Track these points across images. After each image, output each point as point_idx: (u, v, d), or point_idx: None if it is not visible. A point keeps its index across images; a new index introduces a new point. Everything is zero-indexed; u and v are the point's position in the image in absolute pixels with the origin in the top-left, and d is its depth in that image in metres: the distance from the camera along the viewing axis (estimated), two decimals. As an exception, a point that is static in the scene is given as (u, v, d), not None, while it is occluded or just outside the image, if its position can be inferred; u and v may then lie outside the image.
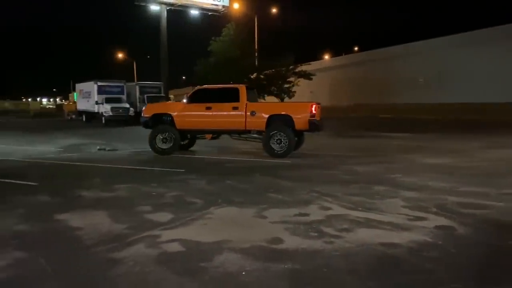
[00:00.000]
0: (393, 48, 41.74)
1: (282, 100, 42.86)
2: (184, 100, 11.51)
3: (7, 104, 56.26)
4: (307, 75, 41.37)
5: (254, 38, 45.51)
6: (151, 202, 5.95)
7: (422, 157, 10.30)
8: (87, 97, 29.94)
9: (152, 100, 24.19)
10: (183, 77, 71.46)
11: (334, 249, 3.99)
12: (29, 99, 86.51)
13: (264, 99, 41.20)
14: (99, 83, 28.77)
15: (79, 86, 33.34)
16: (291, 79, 42.25)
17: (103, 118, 27.03)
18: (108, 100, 27.27)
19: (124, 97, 28.87)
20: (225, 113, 11.18)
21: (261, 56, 43.86)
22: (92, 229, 4.68)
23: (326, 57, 58.42)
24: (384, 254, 3.86)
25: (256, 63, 44.17)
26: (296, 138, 10.92)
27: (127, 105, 27.77)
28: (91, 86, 29.05)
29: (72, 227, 4.78)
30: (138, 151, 12.25)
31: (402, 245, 4.06)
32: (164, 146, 11.34)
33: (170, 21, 32.97)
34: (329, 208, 5.49)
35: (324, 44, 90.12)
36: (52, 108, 70.15)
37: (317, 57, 55.83)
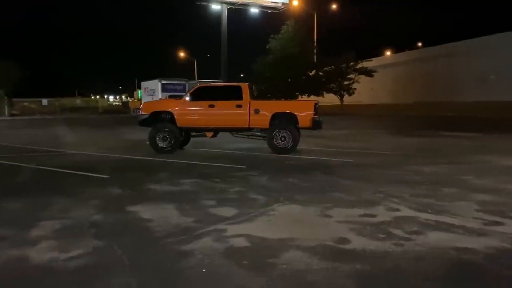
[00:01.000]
0: (460, 43, 39.55)
1: (341, 97, 42.11)
2: (187, 98, 11.29)
3: (79, 101, 59.97)
4: (368, 72, 40.36)
5: (313, 34, 45.05)
6: (215, 197, 6.08)
7: (495, 158, 9.68)
8: (152, 94, 31.23)
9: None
10: (241, 75, 72.36)
11: (404, 251, 3.85)
12: (97, 97, 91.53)
13: (323, 97, 40.71)
14: (163, 81, 29.91)
15: (144, 84, 34.87)
16: (351, 76, 41.37)
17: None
18: (171, 98, 28.25)
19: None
20: (228, 111, 11.14)
21: (320, 53, 43.35)
22: (162, 221, 4.86)
23: (388, 53, 56.58)
24: (459, 259, 3.67)
25: (315, 60, 43.71)
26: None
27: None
28: (156, 84, 30.27)
29: (143, 219, 5.00)
30: (197, 147, 12.54)
31: (478, 251, 3.84)
32: (165, 144, 11.16)
33: (229, 19, 33.48)
34: (396, 210, 5.30)
35: (386, 39, 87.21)
36: (118, 105, 73.81)
37: (379, 53, 54.21)
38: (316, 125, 10.99)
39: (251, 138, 12.06)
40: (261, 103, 11.71)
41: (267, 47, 43.42)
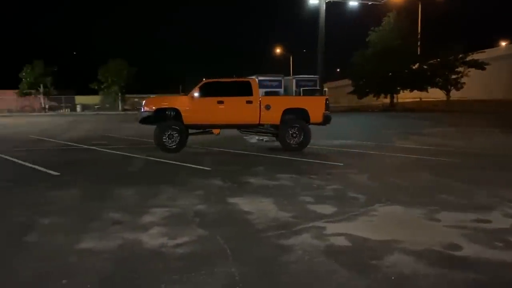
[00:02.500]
0: None
1: (448, 92, 39.15)
2: (195, 94, 10.66)
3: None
4: (479, 65, 36.93)
5: (417, 26, 42.49)
6: (313, 193, 6.02)
7: None
8: (249, 90, 32.03)
9: (307, 93, 24.65)
10: (337, 70, 70.97)
11: (527, 264, 3.44)
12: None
13: (427, 92, 38.27)
14: (260, 78, 30.46)
15: (242, 80, 35.89)
16: (460, 69, 38.20)
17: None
18: (267, 94, 28.69)
19: (281, 90, 29.77)
20: (238, 107, 10.76)
21: (424, 45, 40.73)
22: (261, 214, 4.95)
23: (503, 43, 51.20)
24: None
25: (419, 52, 41.17)
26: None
27: (285, 98, 28.73)
28: (252, 80, 30.98)
29: (243, 211, 5.13)
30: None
31: None
32: (172, 143, 10.61)
33: (326, 13, 32.93)
34: (516, 216, 4.78)
35: (502, 29, 78.95)
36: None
37: (492, 44, 49.31)
38: (326, 120, 11.04)
39: (259, 134, 11.95)
40: (272, 98, 11.41)
41: (366, 40, 41.99)
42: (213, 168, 8.25)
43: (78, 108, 50.75)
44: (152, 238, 4.15)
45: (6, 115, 41.69)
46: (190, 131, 11.22)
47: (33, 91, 49.85)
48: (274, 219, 4.76)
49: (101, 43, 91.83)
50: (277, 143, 11.90)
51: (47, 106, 50.38)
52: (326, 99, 11.23)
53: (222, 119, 10.84)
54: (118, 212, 5.08)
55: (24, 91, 50.06)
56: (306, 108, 10.95)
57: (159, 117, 10.72)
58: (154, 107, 10.78)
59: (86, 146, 12.36)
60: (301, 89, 33.29)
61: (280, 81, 35.16)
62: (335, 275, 3.28)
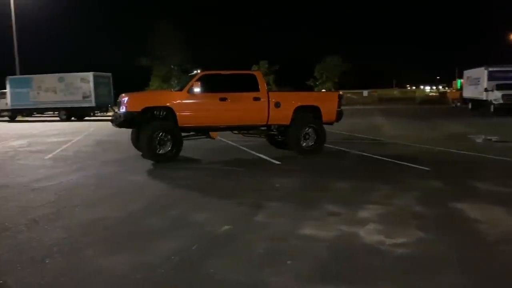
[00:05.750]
0: None
1: None
2: (193, 89, 8.83)
3: (396, 92, 61.49)
4: None
5: None
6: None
7: None
8: (475, 84, 28.48)
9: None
10: None
11: None
12: (413, 87, 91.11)
13: None
14: (490, 69, 26.72)
15: (467, 72, 32.21)
16: None
17: (491, 106, 25.04)
18: (499, 87, 24.96)
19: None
20: (244, 105, 9.15)
21: None
22: (492, 223, 4.38)
23: None
24: None
25: None
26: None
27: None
28: (481, 73, 27.41)
29: (469, 218, 4.63)
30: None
31: None
32: (165, 150, 8.62)
33: None
34: None
35: None
36: (435, 95, 71.51)
37: None
38: (339, 118, 10.02)
39: (253, 137, 10.41)
40: (282, 95, 9.98)
41: None
42: (432, 168, 7.66)
43: (295, 104, 54.61)
44: (369, 234, 4.14)
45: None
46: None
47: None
48: (509, 231, 4.13)
49: (317, 40, 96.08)
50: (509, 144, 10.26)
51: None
52: (339, 95, 10.20)
53: (226, 120, 9.19)
54: (334, 204, 5.25)
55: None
56: (319, 105, 9.72)
57: (147, 118, 8.76)
58: (140, 106, 8.69)
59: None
60: (495, 83, 27.92)
61: (517, 71, 29.65)
62: None
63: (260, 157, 9.34)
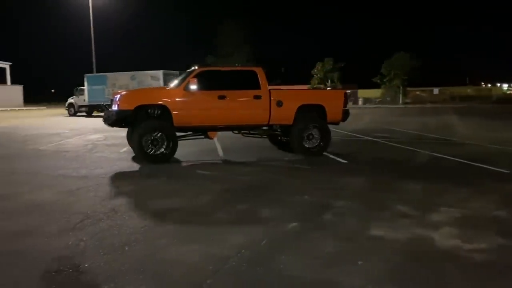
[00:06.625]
0: None
1: None
2: (190, 86, 8.34)
3: (469, 90, 58.02)
4: None
5: None
6: None
7: None
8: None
9: None
10: None
11: None
12: (489, 85, 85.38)
13: None
14: None
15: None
16: None
17: None
18: None
19: None
20: (244, 103, 8.74)
21: None
22: None
23: None
24: None
25: None
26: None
27: None
28: None
29: (557, 226, 4.27)
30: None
31: None
32: (157, 151, 8.20)
33: None
34: None
35: None
36: (512, 93, 66.53)
37: None
38: (345, 117, 9.55)
39: (250, 137, 9.71)
40: (284, 93, 9.35)
41: None
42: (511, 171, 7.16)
43: (360, 102, 53.28)
44: (444, 238, 3.95)
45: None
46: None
47: (321, 86, 55.41)
48: None
49: (385, 37, 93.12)
50: None
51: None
52: (345, 93, 9.69)
53: (225, 119, 8.75)
54: (405, 206, 5.07)
55: (314, 86, 56.23)
56: (324, 104, 9.20)
57: (140, 117, 8.43)
58: (133, 104, 8.32)
59: (369, 138, 12.85)
60: None
61: None
62: None
63: (325, 156, 9.25)
